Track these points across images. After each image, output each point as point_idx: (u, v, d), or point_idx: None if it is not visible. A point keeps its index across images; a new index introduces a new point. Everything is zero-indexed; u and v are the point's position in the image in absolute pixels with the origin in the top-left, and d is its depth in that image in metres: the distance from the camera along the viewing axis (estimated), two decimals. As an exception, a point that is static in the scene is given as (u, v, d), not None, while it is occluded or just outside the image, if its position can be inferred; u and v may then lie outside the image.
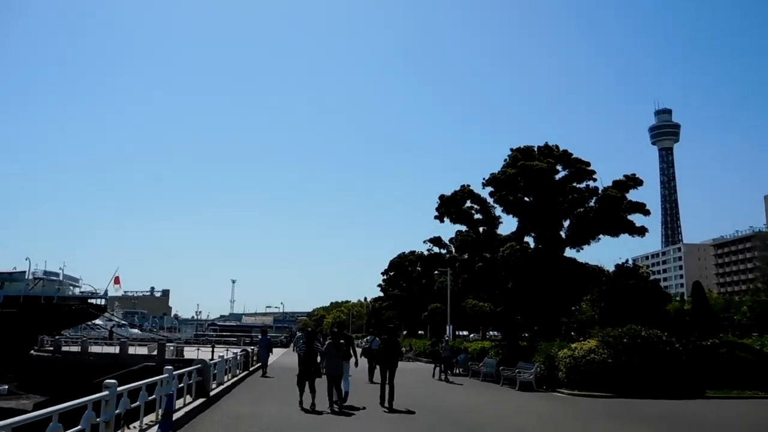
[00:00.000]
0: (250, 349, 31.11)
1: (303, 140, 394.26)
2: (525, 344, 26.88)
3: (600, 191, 30.20)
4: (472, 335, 66.83)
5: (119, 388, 8.83)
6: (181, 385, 13.66)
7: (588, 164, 30.82)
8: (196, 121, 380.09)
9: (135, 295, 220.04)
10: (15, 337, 65.85)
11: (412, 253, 70.38)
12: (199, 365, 15.82)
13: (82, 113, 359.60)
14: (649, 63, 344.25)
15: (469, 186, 33.76)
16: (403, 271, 72.14)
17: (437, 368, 26.91)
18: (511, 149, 31.92)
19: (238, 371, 25.27)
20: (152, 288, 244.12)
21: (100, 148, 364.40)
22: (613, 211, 28.97)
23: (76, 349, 43.56)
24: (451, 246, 54.51)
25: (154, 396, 11.29)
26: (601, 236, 30.30)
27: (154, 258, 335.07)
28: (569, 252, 31.16)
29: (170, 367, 12.65)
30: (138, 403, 10.27)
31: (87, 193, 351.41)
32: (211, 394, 16.50)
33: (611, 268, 32.16)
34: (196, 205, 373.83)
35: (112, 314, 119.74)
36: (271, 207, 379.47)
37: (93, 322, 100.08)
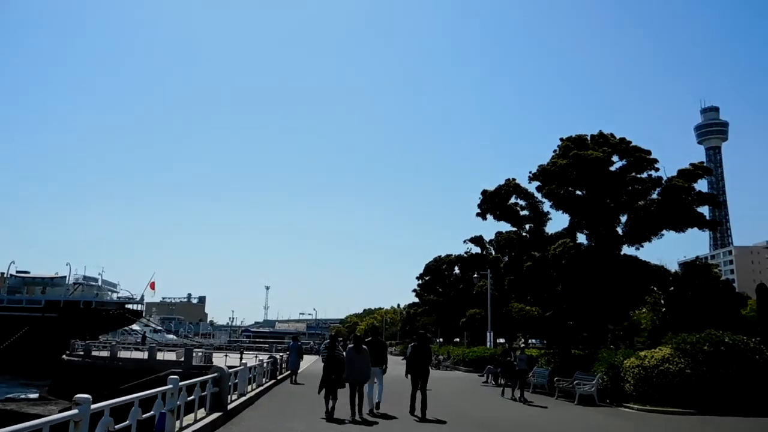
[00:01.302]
0: (278, 356, 29.25)
1: (335, 145, 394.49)
2: (581, 352, 24.17)
3: (664, 181, 27.25)
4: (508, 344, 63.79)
5: (94, 406, 6.84)
6: (191, 397, 11.59)
7: (649, 153, 27.96)
8: (232, 128, 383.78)
9: (172, 301, 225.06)
10: (55, 341, 66.72)
11: (449, 256, 67.72)
12: (216, 374, 13.79)
13: (127, 119, 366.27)
14: (696, 59, 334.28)
15: (514, 179, 31.24)
16: (439, 275, 69.53)
17: (507, 385, 21.95)
18: (561, 139, 29.28)
19: (264, 380, 23.41)
20: (189, 295, 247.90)
21: (142, 156, 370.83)
22: (680, 203, 26.06)
23: (105, 354, 43.41)
24: (491, 248, 51.84)
25: (152, 412, 9.38)
26: (664, 231, 27.35)
27: (192, 265, 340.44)
28: (626, 250, 28.31)
29: (175, 376, 10.68)
30: (128, 422, 8.26)
31: (127, 199, 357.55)
32: (230, 407, 14.54)
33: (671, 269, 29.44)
34: (231, 211, 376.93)
35: (149, 319, 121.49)
36: (305, 214, 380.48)
37: (130, 327, 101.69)
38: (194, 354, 38.77)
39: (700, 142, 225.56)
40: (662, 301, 28.38)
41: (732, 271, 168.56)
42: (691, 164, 27.59)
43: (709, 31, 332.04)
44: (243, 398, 16.64)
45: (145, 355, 40.44)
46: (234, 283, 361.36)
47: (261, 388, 20.73)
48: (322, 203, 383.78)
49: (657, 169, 27.48)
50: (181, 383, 10.87)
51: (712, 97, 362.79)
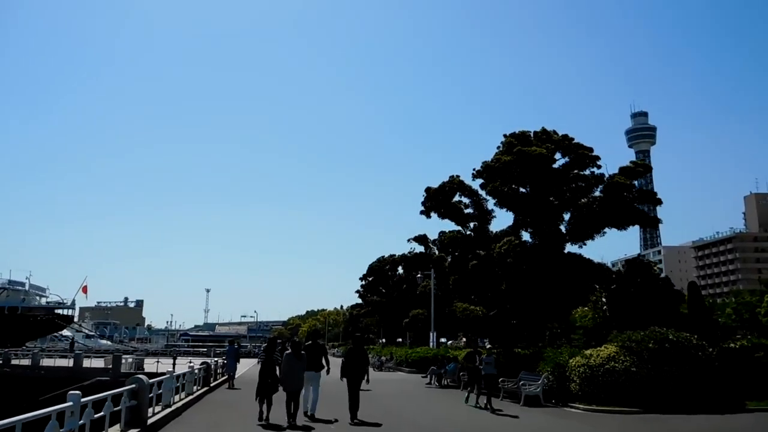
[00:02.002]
0: (212, 361, 27.57)
1: (278, 143, 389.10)
2: (525, 351, 23.64)
3: (606, 179, 27.14)
4: (449, 342, 63.60)
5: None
6: (100, 414, 10.09)
7: (591, 150, 27.85)
8: (167, 124, 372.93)
9: (108, 305, 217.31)
10: None
11: (392, 256, 67.04)
12: (133, 385, 12.29)
13: (52, 116, 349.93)
14: (626, 65, 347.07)
15: (458, 176, 30.58)
16: (382, 275, 68.94)
17: (472, 390, 19.45)
18: (505, 135, 28.83)
19: (196, 387, 21.76)
20: (126, 298, 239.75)
21: (69, 152, 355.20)
22: (622, 201, 25.98)
23: (26, 362, 40.38)
24: (435, 248, 51.31)
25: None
26: (606, 229, 27.27)
27: (129, 268, 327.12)
28: (569, 248, 28.14)
29: (76, 392, 9.17)
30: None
31: (56, 200, 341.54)
32: (151, 421, 13.13)
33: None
34: (170, 213, 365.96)
35: (80, 325, 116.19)
36: (245, 214, 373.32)
37: (60, 333, 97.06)
38: (124, 360, 36.59)
39: (630, 146, 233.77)
40: (603, 299, 28.28)
41: (661, 270, 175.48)
42: (631, 162, 27.71)
43: (641, 37, 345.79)
44: (168, 410, 15.14)
45: (70, 362, 38.13)
46: (173, 286, 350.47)
47: (191, 397, 19.18)
48: (264, 204, 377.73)
49: (599, 167, 27.47)
50: (86, 398, 9.41)
51: (642, 102, 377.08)
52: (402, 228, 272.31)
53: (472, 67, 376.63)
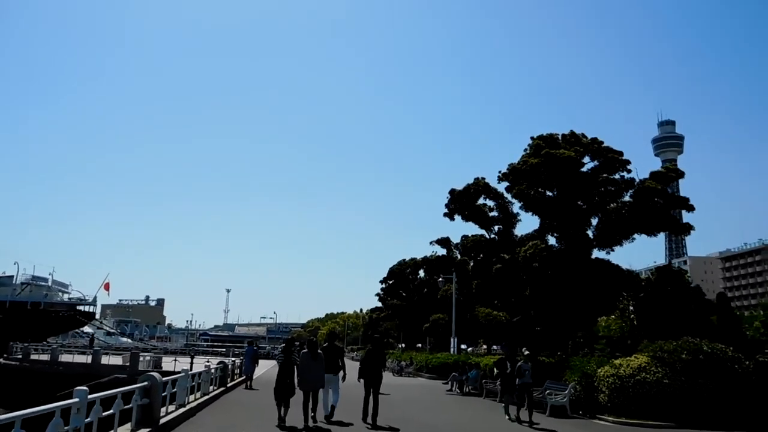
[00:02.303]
0: (229, 361, 27.16)
1: (300, 146, 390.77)
2: (552, 360, 22.82)
3: (636, 183, 26.22)
4: (470, 349, 62.55)
5: None
6: (109, 412, 9.63)
7: (621, 154, 26.94)
8: (191, 126, 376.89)
9: (129, 303, 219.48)
10: None
11: (414, 259, 66.27)
12: (146, 382, 11.83)
13: (75, 114, 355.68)
14: (654, 73, 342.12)
15: (484, 179, 29.87)
16: (403, 279, 68.13)
17: (512, 403, 17.24)
18: (532, 137, 28.05)
19: (212, 387, 21.35)
20: (147, 297, 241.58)
21: (94, 152, 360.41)
22: (653, 206, 25.03)
23: (45, 357, 40.52)
24: (456, 252, 50.42)
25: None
26: (636, 236, 26.33)
27: (151, 267, 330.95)
28: (596, 254, 27.19)
29: (83, 388, 8.72)
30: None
31: (82, 197, 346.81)
32: (164, 420, 12.66)
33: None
34: (194, 213, 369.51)
35: (102, 322, 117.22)
36: (267, 215, 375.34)
37: (82, 329, 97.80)
38: (142, 358, 36.45)
39: (657, 155, 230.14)
40: (631, 308, 27.30)
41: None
42: (663, 166, 26.75)
43: (670, 45, 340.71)
44: (182, 410, 14.67)
45: (88, 359, 38.05)
46: (195, 286, 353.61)
47: (206, 397, 18.72)
48: (287, 206, 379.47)
49: (629, 171, 26.57)
50: (93, 395, 8.96)
51: (669, 111, 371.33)
52: (424, 231, 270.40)
53: (498, 70, 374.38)
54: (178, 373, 16.41)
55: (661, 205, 25.17)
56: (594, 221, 26.95)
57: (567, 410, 18.64)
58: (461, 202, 29.47)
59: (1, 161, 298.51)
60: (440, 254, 48.75)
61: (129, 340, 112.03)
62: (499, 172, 28.27)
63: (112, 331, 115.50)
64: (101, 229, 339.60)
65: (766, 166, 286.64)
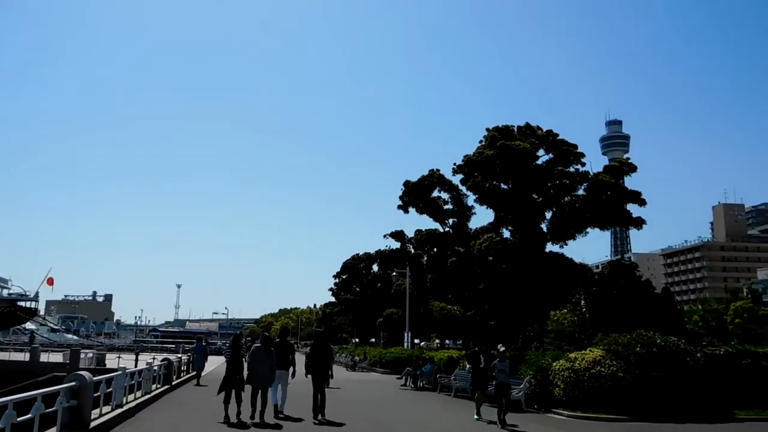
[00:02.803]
0: (174, 357, 25.94)
1: (251, 136, 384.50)
2: (508, 353, 22.49)
3: (590, 177, 26.20)
4: (423, 343, 62.45)
5: None
6: (27, 416, 8.60)
7: (575, 147, 26.91)
8: (138, 118, 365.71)
9: (75, 299, 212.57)
10: None
11: (367, 254, 65.64)
12: (74, 382, 10.81)
13: (20, 98, 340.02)
14: (602, 73, 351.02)
15: (438, 170, 29.41)
16: (357, 273, 67.48)
17: (482, 400, 16.07)
18: (488, 129, 27.73)
19: (156, 385, 20.21)
20: (94, 292, 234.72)
21: (40, 145, 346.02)
22: (606, 200, 25.04)
23: None
24: (410, 246, 49.96)
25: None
26: (589, 229, 26.36)
27: (99, 261, 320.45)
28: (550, 248, 27.09)
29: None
30: None
31: (24, 188, 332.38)
32: (96, 423, 11.70)
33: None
34: (143, 207, 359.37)
35: (44, 318, 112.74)
36: (219, 210, 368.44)
37: (23, 326, 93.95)
38: (83, 355, 34.76)
39: (604, 153, 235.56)
40: (582, 301, 27.33)
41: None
42: (617, 160, 26.83)
43: (618, 45, 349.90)
44: (118, 411, 13.63)
45: (26, 356, 36.24)
46: (144, 281, 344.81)
47: (148, 396, 17.62)
48: (238, 198, 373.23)
49: (583, 164, 26.56)
50: (6, 399, 7.94)
51: (617, 111, 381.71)
52: (379, 224, 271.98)
53: (455, 63, 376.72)
54: (116, 371, 15.37)
55: (614, 199, 25.20)
56: (548, 215, 26.82)
57: (522, 404, 18.32)
58: (416, 195, 28.91)
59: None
60: (394, 248, 48.23)
61: (75, 337, 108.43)
62: (454, 164, 27.96)
63: (56, 327, 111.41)
64: (44, 222, 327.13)
65: (705, 166, 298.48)
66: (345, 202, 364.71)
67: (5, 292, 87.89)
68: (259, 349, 13.69)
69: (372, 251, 64.04)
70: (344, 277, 70.29)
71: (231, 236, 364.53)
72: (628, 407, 16.52)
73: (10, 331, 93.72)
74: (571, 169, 26.40)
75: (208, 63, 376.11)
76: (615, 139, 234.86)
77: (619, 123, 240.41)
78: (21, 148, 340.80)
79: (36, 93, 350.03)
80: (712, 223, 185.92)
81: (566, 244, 26.50)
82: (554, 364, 18.50)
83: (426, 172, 29.42)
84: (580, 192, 26.40)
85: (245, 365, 13.96)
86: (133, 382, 16.22)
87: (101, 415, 12.47)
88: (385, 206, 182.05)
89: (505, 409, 15.12)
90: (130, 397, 15.94)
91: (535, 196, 26.44)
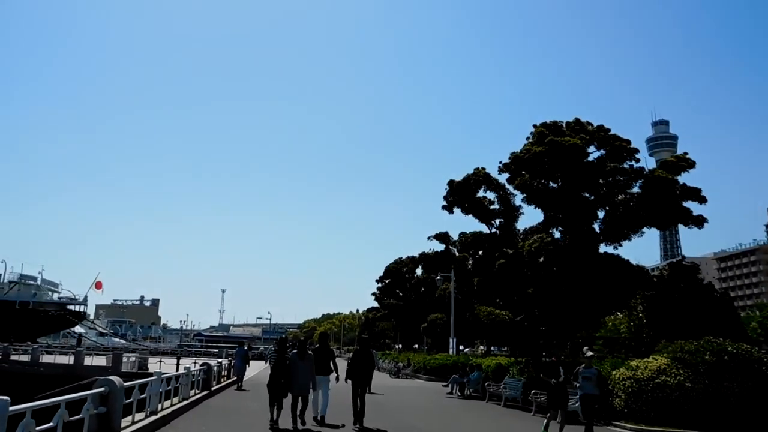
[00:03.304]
0: (215, 362, 25.49)
1: (295, 147, 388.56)
2: (561, 361, 21.18)
3: (646, 173, 24.60)
4: (467, 350, 60.84)
5: None
6: (49, 425, 7.94)
7: (628, 142, 25.36)
8: (190, 127, 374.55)
9: (124, 303, 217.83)
10: None
11: (411, 257, 64.49)
12: (102, 388, 10.19)
13: (70, 113, 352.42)
14: (648, 73, 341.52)
15: (484, 169, 28.18)
16: (399, 278, 66.27)
17: (555, 417, 13.99)
18: (535, 125, 26.43)
19: (195, 391, 19.68)
20: (142, 297, 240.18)
21: (87, 150, 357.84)
22: (664, 198, 23.40)
23: (26, 358, 38.85)
24: (454, 249, 48.61)
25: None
26: (645, 229, 24.71)
27: (147, 267, 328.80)
28: (603, 249, 25.53)
29: (4, 398, 7.06)
30: None
31: (73, 195, 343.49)
32: (129, 431, 10.86)
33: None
34: (189, 213, 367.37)
35: (93, 322, 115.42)
36: (263, 216, 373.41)
37: (73, 329, 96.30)
38: (126, 359, 34.79)
39: (651, 155, 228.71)
40: (639, 306, 25.64)
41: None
42: (673, 156, 25.11)
43: (665, 45, 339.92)
44: (151, 418, 13.01)
45: (71, 359, 36.46)
46: (190, 286, 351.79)
47: (186, 402, 17.03)
48: (282, 205, 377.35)
49: (638, 160, 24.93)
50: (18, 407, 7.27)
51: (663, 111, 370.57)
52: (423, 227, 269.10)
53: (501, 63, 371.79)
54: (150, 375, 14.85)
55: (672, 196, 23.54)
56: (600, 214, 25.29)
57: (579, 416, 16.99)
58: (461, 194, 27.75)
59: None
60: (438, 250, 46.89)
61: (122, 341, 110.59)
62: (500, 162, 26.72)
63: (104, 331, 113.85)
64: (94, 228, 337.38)
65: (757, 167, 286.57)
66: (388, 205, 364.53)
67: (55, 296, 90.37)
68: (294, 355, 13.66)
69: (416, 255, 62.85)
70: (387, 281, 69.17)
71: (275, 241, 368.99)
72: (697, 420, 15.10)
73: (61, 334, 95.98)
74: (625, 166, 24.82)
75: (253, 69, 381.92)
76: (662, 140, 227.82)
77: (666, 123, 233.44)
78: (70, 152, 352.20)
79: (90, 94, 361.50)
80: (767, 225, 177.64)
81: (620, 245, 24.98)
82: (614, 372, 17.17)
83: (471, 172, 28.32)
84: (635, 189, 24.80)
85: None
86: (169, 387, 15.64)
87: (133, 422, 11.87)
88: (429, 208, 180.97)
89: (588, 426, 13.07)
90: (167, 403, 15.38)
91: (586, 194, 24.97)
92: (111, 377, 10.83)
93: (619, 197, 24.48)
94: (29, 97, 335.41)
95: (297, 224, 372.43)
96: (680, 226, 26.27)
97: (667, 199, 23.29)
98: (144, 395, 13.16)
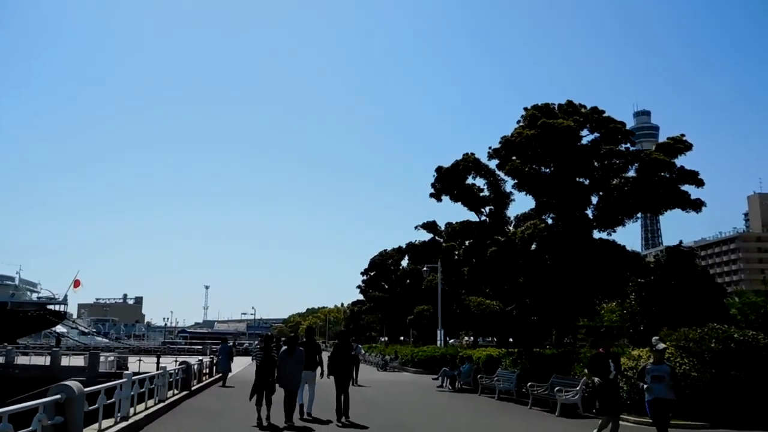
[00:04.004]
0: (195, 360, 24.32)
1: (275, 137, 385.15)
2: (554, 351, 20.35)
3: (642, 155, 23.78)
4: (453, 341, 60.13)
5: None
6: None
7: (623, 124, 24.52)
8: (168, 121, 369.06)
9: (107, 302, 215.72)
10: None
11: (395, 249, 63.57)
12: (57, 396, 9.07)
13: (45, 101, 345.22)
14: (630, 63, 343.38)
15: (473, 154, 27.14)
16: (385, 270, 65.44)
17: (607, 425, 11.35)
18: (526, 108, 25.48)
19: (174, 392, 18.54)
20: (125, 295, 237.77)
21: (66, 147, 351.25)
22: (660, 181, 22.60)
23: (0, 359, 37.39)
24: (441, 240, 47.66)
25: None
26: (639, 214, 23.92)
27: (129, 265, 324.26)
28: (596, 235, 24.69)
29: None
30: None
31: (51, 192, 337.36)
32: (91, 441, 9.74)
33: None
34: (171, 210, 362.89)
35: (74, 321, 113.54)
36: (246, 211, 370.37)
37: (54, 329, 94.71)
38: (103, 359, 33.47)
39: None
40: (633, 293, 24.90)
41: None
42: (669, 138, 24.31)
43: (645, 35, 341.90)
44: (122, 424, 11.95)
45: (47, 361, 35.06)
46: (174, 283, 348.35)
47: (162, 404, 15.90)
48: (264, 201, 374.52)
49: (633, 143, 24.05)
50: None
51: (645, 101, 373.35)
52: (408, 219, 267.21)
53: (482, 52, 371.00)
54: (104, 383, 13.63)
55: (668, 180, 22.74)
56: (594, 200, 24.46)
57: (579, 408, 16.17)
58: (449, 181, 26.74)
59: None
60: (425, 240, 45.85)
61: (105, 340, 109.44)
62: (490, 148, 25.70)
63: (86, 330, 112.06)
64: (74, 226, 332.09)
65: (736, 156, 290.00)
66: (372, 196, 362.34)
67: (34, 296, 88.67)
68: (284, 351, 13.54)
69: (403, 245, 61.86)
70: (372, 274, 68.32)
71: (257, 236, 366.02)
72: (704, 412, 14.34)
73: (42, 335, 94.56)
74: (621, 148, 23.97)
75: (236, 56, 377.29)
76: (644, 130, 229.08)
77: (647, 113, 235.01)
78: (48, 147, 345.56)
79: (71, 89, 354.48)
80: (746, 214, 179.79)
81: (614, 231, 24.18)
82: (615, 363, 16.29)
83: (459, 158, 27.33)
84: (630, 174, 24.00)
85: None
86: (143, 389, 14.46)
87: (100, 430, 10.71)
88: (414, 200, 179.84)
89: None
90: (140, 406, 14.25)
91: (580, 179, 24.10)
92: (68, 382, 9.67)
93: (614, 182, 23.63)
94: (4, 90, 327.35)
95: (280, 219, 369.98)
96: (660, 216, 25.45)
97: (664, 183, 22.49)
98: (112, 399, 12.02)
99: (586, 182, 23.95)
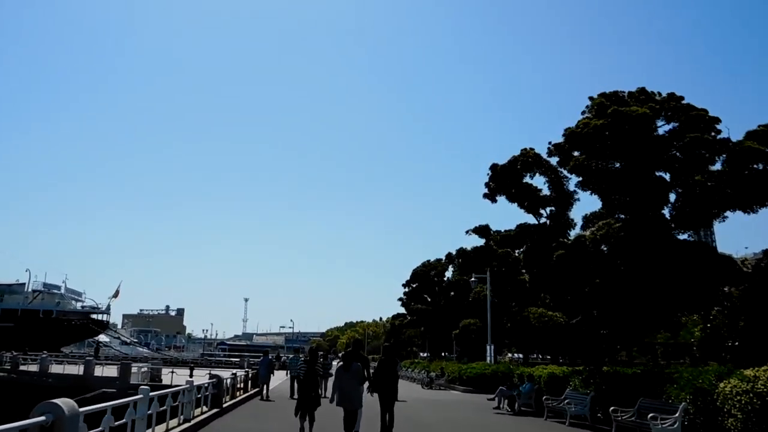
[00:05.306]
0: (229, 374, 22.28)
1: (316, 148, 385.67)
2: (636, 370, 17.54)
3: (731, 145, 20.79)
4: (507, 357, 56.90)
5: None
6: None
7: (706, 111, 21.60)
8: (209, 130, 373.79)
9: (150, 313, 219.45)
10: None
11: (439, 260, 60.99)
12: (41, 418, 6.99)
13: (86, 115, 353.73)
14: (648, 61, 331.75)
15: (533, 149, 24.53)
16: (428, 281, 62.83)
17: None
18: (591, 98, 22.83)
19: (203, 408, 16.51)
20: (167, 306, 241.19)
21: (115, 161, 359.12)
22: (754, 174, 19.59)
23: (34, 368, 36.79)
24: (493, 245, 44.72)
25: None
26: (729, 213, 20.86)
27: (172, 276, 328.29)
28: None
29: None
30: None
31: (98, 205, 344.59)
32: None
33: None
34: (213, 221, 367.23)
35: (116, 331, 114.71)
36: (285, 224, 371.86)
37: (98, 338, 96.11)
38: (135, 369, 31.95)
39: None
40: (725, 303, 21.76)
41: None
42: (761, 125, 21.22)
43: (660, 32, 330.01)
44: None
45: (81, 370, 34.07)
46: (215, 295, 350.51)
47: (187, 424, 13.81)
48: (304, 211, 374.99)
49: (719, 131, 21.14)
50: None
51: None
52: (455, 228, 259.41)
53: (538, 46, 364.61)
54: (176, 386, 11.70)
55: (762, 172, 19.73)
56: (672, 197, 21.54)
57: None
58: (505, 180, 24.25)
59: (9, 164, 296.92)
60: (477, 246, 42.98)
61: (146, 350, 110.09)
62: (550, 143, 23.11)
63: (127, 340, 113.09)
64: (118, 237, 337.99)
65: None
66: (416, 207, 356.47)
67: (78, 305, 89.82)
68: (340, 366, 12.83)
69: (444, 256, 59.26)
70: (414, 285, 65.71)
71: (297, 249, 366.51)
72: None
73: (85, 343, 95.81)
74: (708, 137, 21.01)
75: (269, 78, 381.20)
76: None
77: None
78: (92, 160, 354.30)
79: (107, 101, 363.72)
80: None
81: (697, 233, 21.16)
82: (721, 384, 13.49)
83: (514, 157, 24.74)
84: (717, 167, 21.06)
85: (323, 382, 13.50)
86: (164, 407, 12.38)
87: (104, 460, 8.61)
88: (461, 206, 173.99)
89: None
90: (161, 427, 12.16)
91: (659, 173, 21.26)
92: (57, 400, 7.57)
93: (697, 177, 20.67)
94: (42, 104, 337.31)
95: (320, 230, 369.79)
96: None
97: (760, 176, 19.49)
98: (123, 420, 9.94)
99: (667, 177, 21.13)
